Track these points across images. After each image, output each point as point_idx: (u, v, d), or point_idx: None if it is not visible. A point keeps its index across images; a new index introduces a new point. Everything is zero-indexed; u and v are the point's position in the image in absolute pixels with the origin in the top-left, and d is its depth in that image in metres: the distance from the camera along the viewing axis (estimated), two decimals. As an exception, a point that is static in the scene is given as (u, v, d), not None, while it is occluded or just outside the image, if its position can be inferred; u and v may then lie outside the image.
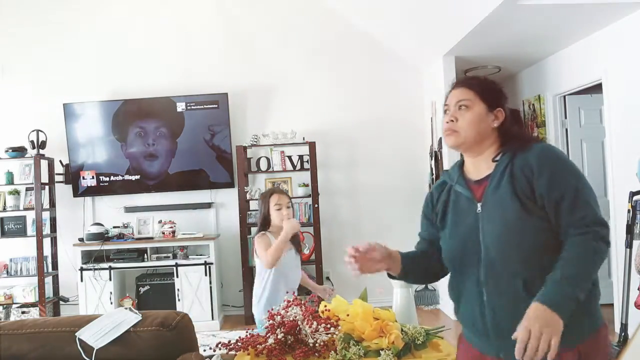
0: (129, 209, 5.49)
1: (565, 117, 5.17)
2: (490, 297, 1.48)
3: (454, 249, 1.58)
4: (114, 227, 5.26)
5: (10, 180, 5.21)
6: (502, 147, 1.54)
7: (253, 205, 5.37)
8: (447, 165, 5.09)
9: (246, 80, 5.61)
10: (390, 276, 1.66)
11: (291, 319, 1.79)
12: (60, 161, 5.45)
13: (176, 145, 5.38)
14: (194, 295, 5.04)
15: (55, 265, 5.41)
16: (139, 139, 5.39)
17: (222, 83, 5.52)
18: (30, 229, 5.19)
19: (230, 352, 1.82)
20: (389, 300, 2.36)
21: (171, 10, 5.62)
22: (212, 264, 5.06)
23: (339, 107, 5.65)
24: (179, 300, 5.03)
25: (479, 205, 1.51)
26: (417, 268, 1.65)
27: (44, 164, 5.29)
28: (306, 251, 5.25)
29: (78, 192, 5.41)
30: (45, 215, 5.29)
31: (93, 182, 5.38)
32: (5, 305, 5.16)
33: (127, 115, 5.38)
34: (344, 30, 5.64)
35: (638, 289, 3.58)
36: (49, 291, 5.32)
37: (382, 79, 5.69)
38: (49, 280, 5.33)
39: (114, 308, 4.82)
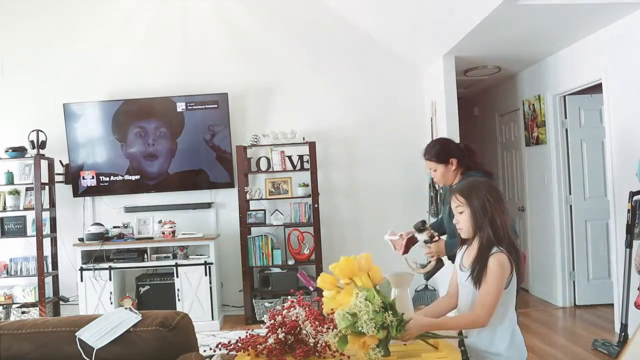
0: (129, 209, 5.50)
1: (565, 117, 5.17)
2: None
3: None
4: (114, 227, 5.26)
5: (10, 180, 5.21)
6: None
7: (253, 205, 5.37)
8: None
9: (246, 80, 5.61)
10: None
11: (292, 319, 1.79)
12: (60, 161, 5.45)
13: (176, 145, 5.39)
14: (194, 295, 5.04)
15: (55, 265, 5.41)
16: (139, 139, 5.39)
17: (222, 83, 5.52)
18: (30, 229, 5.19)
19: (230, 353, 1.81)
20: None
21: (171, 10, 5.62)
22: (212, 264, 5.06)
23: (339, 107, 5.65)
24: (179, 300, 5.03)
25: None
26: None
27: (44, 164, 5.28)
28: (306, 251, 5.26)
29: (78, 192, 5.41)
30: (45, 215, 5.29)
31: (93, 182, 5.39)
32: (5, 305, 5.16)
33: (127, 115, 5.38)
34: (343, 30, 5.64)
35: (638, 289, 3.59)
36: (49, 291, 5.32)
37: (382, 78, 5.68)
38: (49, 280, 5.33)
39: (114, 308, 4.82)
